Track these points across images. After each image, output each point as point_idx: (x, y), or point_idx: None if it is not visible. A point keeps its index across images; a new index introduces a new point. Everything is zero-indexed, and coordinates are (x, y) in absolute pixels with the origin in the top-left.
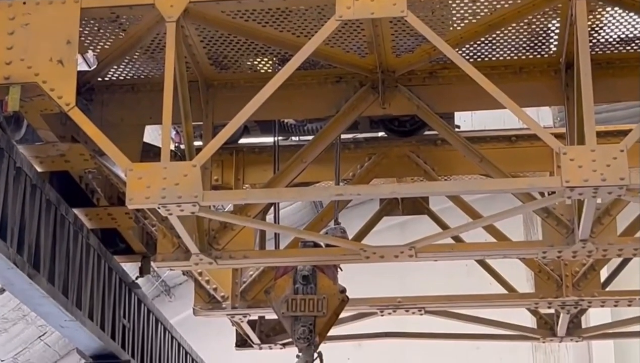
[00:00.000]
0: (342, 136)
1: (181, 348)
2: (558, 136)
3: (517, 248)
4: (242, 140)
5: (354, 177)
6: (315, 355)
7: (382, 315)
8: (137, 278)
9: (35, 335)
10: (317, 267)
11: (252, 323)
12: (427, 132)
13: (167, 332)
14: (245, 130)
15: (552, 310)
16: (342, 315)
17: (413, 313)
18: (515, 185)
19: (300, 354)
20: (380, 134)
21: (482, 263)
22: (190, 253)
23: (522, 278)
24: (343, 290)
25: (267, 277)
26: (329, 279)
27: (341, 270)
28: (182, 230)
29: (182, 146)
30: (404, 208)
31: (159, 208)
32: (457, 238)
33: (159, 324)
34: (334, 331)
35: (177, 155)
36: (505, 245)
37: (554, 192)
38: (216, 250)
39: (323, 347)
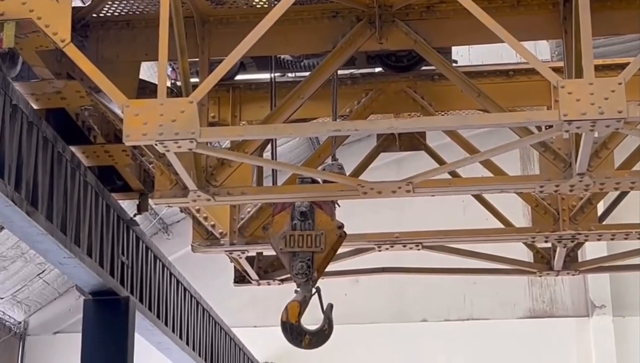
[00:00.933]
0: (339, 72)
1: (180, 284)
2: (556, 70)
3: (514, 183)
4: (239, 77)
5: (351, 113)
6: (313, 290)
7: (379, 251)
8: (134, 215)
9: (34, 272)
10: (314, 203)
11: (250, 260)
12: (424, 68)
13: (165, 269)
14: (241, 67)
15: (548, 245)
16: (340, 250)
17: (410, 248)
18: (512, 119)
19: (298, 289)
20: (378, 69)
21: (479, 199)
22: (188, 190)
23: (519, 214)
24: (341, 226)
25: (264, 213)
26: (327, 215)
27: (338, 206)
28: (179, 167)
29: (179, 83)
30: (401, 145)
31: (156, 144)
32: (454, 174)
33: (158, 261)
34: (331, 267)
35: (174, 92)
36: (502, 180)
37: (551, 126)
38: (214, 186)
39: (320, 283)
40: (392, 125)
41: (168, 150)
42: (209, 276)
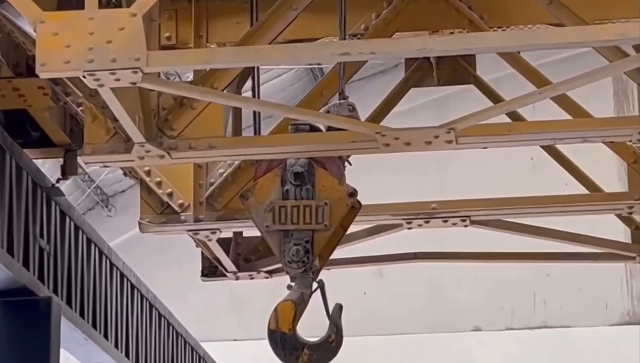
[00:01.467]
0: None
1: (125, 280)
2: None
3: (602, 128)
4: None
5: (367, 31)
6: (315, 284)
7: (409, 229)
8: (58, 181)
9: None
10: (314, 161)
11: (224, 244)
12: None
13: (104, 258)
14: None
15: None
16: (353, 228)
17: (454, 224)
18: (599, 36)
19: (292, 284)
20: None
21: (554, 153)
22: (132, 143)
23: (612, 175)
24: (353, 193)
25: (244, 176)
26: (332, 177)
27: (349, 164)
28: (119, 109)
29: None
30: (440, 76)
31: (84, 77)
32: (515, 117)
33: (93, 247)
34: (341, 252)
35: (111, 2)
36: (585, 124)
37: None
38: (169, 137)
39: (326, 275)
40: (426, 46)
41: (102, 85)
42: (169, 268)
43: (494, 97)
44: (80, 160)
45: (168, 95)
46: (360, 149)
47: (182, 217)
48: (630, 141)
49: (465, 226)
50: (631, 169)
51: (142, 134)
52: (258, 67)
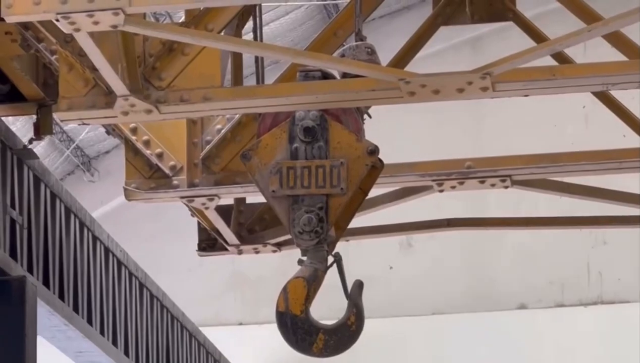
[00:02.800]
0: None
1: (110, 255)
2: None
3: None
4: None
5: None
6: (330, 258)
7: (440, 191)
8: (31, 141)
9: None
10: (328, 114)
11: (225, 212)
12: None
13: (85, 231)
14: None
15: None
16: (374, 192)
17: (492, 185)
18: None
19: (304, 259)
20: None
21: (608, 101)
22: (115, 96)
23: None
24: (373, 151)
25: (245, 132)
26: (349, 133)
27: (369, 117)
28: (99, 57)
29: None
30: (474, 12)
31: (57, 20)
32: (562, 60)
33: (72, 218)
34: (362, 221)
35: None
36: None
37: None
38: (157, 89)
39: (348, 250)
40: None
41: (78, 30)
42: (161, 242)
43: (537, 36)
44: (55, 116)
45: (155, 39)
46: (381, 98)
47: (175, 182)
48: None
49: (506, 187)
50: None
51: (126, 86)
52: (260, 5)
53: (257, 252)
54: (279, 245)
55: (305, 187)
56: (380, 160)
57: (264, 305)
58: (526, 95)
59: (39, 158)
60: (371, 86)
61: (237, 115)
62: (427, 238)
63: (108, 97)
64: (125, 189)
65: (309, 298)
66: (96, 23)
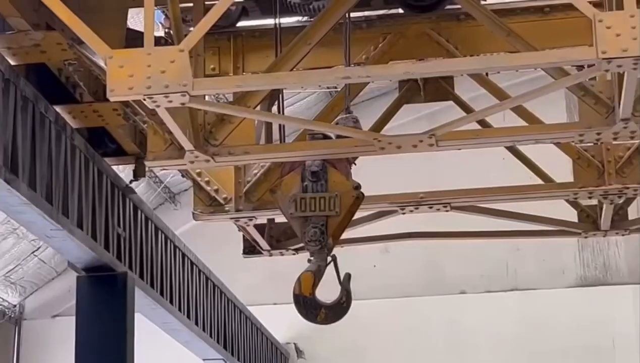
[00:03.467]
0: (353, 15)
1: (186, 258)
2: (596, 5)
3: (550, 132)
4: (241, 23)
5: (367, 60)
6: (329, 258)
7: (403, 213)
8: (131, 182)
9: (28, 250)
10: (327, 162)
11: (261, 228)
12: (448, 7)
13: (169, 242)
14: (243, 12)
15: (595, 202)
16: (360, 214)
17: (438, 210)
18: (544, 59)
19: (312, 258)
20: (395, 11)
21: (516, 153)
22: (184, 151)
23: (565, 170)
24: (357, 186)
25: (273, 175)
26: (341, 174)
27: (354, 164)
28: (173, 125)
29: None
30: (426, 95)
31: (144, 99)
32: (484, 125)
33: (160, 233)
34: (352, 233)
35: (169, 42)
36: (537, 129)
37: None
38: (213, 146)
39: (344, 253)
40: (409, 70)
41: (158, 106)
42: (222, 250)
43: (467, 110)
44: (146, 164)
45: (212, 113)
46: (362, 151)
47: (226, 208)
48: (573, 141)
49: (447, 211)
50: (575, 163)
51: (192, 143)
52: (282, 90)
53: (282, 254)
54: (297, 250)
55: (312, 211)
56: (362, 193)
57: (289, 291)
58: (459, 149)
59: (135, 192)
60: (355, 143)
61: (267, 164)
62: (398, 245)
63: (180, 152)
64: (193, 213)
65: (315, 285)
66: (170, 101)
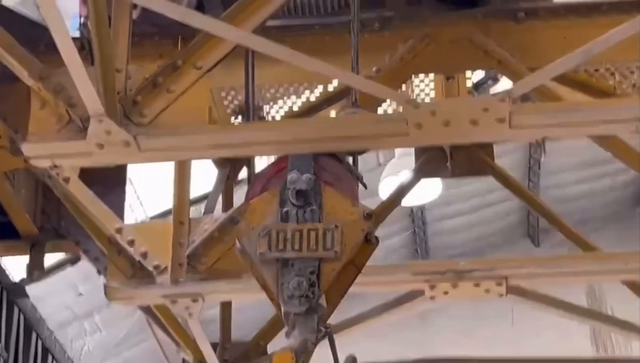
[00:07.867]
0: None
1: None
2: None
3: None
4: None
5: (379, 72)
6: (322, 329)
7: None
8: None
9: None
10: (321, 179)
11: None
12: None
13: None
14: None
15: None
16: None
17: None
18: None
19: (293, 331)
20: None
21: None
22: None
23: None
24: (370, 214)
25: (233, 231)
26: (344, 197)
27: (365, 187)
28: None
29: None
30: (455, 167)
31: None
32: None
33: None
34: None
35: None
36: None
37: None
38: (137, 124)
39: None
40: None
41: None
42: None
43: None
44: (22, 147)
45: (139, 75)
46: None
47: (159, 281)
48: None
49: None
50: None
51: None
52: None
53: None
54: None
55: (296, 251)
56: (376, 237)
57: None
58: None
59: (27, 296)
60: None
61: (225, 215)
62: None
63: (81, 133)
64: (105, 288)
65: None
66: None
